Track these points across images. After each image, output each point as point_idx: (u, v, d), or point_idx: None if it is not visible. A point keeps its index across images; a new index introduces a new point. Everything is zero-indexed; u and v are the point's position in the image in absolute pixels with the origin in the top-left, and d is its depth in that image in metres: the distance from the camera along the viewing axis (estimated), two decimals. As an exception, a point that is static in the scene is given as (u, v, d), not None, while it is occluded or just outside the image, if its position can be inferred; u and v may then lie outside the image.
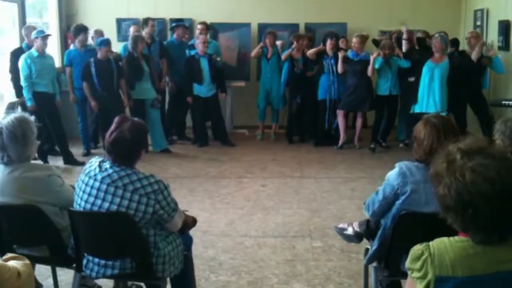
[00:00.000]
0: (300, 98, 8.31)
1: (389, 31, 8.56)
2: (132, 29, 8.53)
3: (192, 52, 8.15)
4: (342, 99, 7.96)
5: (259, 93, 8.66)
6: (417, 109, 7.13)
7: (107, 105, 7.19)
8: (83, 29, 7.64)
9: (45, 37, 6.84)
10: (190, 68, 8.00)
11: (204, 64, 7.99)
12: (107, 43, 7.33)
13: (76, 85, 7.59)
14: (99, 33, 8.14)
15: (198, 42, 8.01)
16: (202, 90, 8.07)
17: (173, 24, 8.53)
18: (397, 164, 2.84)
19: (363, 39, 7.86)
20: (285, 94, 8.52)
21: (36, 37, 6.79)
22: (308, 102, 8.28)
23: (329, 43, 8.03)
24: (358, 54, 7.80)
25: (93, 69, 7.22)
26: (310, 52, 8.10)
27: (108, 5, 9.34)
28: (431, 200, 2.59)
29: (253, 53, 8.62)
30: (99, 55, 7.28)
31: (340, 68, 7.90)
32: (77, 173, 2.98)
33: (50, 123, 6.96)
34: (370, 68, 7.62)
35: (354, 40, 7.87)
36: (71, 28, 7.64)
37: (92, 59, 7.27)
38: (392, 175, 2.84)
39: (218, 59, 8.06)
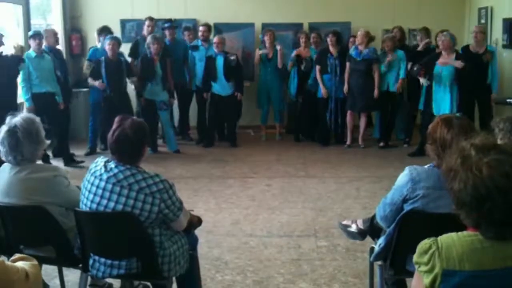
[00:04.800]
0: (302, 97, 8.31)
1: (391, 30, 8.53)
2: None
3: (194, 53, 8.39)
4: (348, 99, 7.94)
5: (260, 95, 8.66)
6: (425, 109, 7.18)
7: (115, 105, 7.16)
8: (105, 30, 7.84)
9: (35, 37, 6.86)
10: (208, 66, 8.17)
11: (220, 62, 8.11)
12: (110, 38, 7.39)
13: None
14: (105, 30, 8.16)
15: (214, 41, 8.17)
16: (217, 88, 8.18)
17: (165, 25, 8.54)
18: (407, 168, 2.71)
19: (368, 34, 7.77)
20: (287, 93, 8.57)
21: (29, 38, 6.91)
22: (310, 101, 8.29)
23: (329, 40, 7.97)
24: (361, 53, 7.73)
25: (103, 69, 7.26)
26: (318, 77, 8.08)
27: (112, 6, 9.35)
28: (440, 207, 2.54)
29: (256, 60, 8.64)
30: (109, 54, 7.30)
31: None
32: (83, 175, 2.97)
33: (51, 123, 6.88)
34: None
35: (359, 33, 7.81)
36: (97, 29, 7.85)
37: (102, 58, 7.32)
38: (401, 180, 2.70)
39: (233, 58, 8.09)
